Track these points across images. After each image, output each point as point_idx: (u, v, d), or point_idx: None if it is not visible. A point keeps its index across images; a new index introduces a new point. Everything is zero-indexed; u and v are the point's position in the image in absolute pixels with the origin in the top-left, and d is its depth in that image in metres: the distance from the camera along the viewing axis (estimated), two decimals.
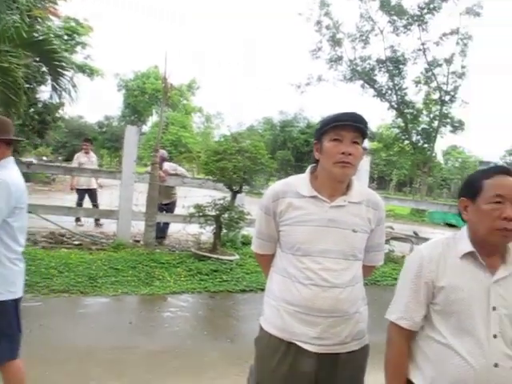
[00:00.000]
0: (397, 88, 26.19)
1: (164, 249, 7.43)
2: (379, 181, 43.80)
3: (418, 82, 26.03)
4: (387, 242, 7.60)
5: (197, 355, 3.94)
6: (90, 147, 10.09)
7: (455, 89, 25.36)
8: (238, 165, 6.46)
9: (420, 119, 26.90)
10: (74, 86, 7.00)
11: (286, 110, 39.66)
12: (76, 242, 7.44)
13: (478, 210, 1.58)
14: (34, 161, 13.96)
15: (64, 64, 6.74)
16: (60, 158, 28.78)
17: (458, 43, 24.38)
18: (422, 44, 24.95)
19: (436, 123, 26.01)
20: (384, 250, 2.10)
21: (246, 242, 7.75)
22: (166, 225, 8.13)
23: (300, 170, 2.06)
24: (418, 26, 24.56)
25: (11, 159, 2.62)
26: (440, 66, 25.16)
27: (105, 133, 39.29)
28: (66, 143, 32.78)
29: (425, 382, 1.60)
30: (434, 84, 25.65)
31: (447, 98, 25.42)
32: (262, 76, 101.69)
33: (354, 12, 47.34)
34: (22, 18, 6.20)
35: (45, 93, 11.37)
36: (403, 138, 27.62)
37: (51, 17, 9.37)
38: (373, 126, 34.96)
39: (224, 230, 7.02)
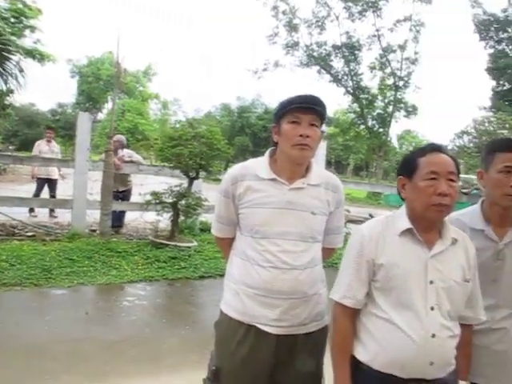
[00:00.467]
0: (352, 73, 26.61)
1: (121, 237, 7.30)
2: (337, 165, 44.54)
3: (372, 68, 26.54)
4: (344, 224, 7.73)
5: (155, 343, 3.91)
6: (53, 136, 9.75)
7: (409, 74, 26.03)
8: (193, 151, 6.39)
9: (375, 104, 27.50)
10: (21, 70, 6.73)
11: (244, 96, 39.62)
12: (29, 234, 7.19)
13: (415, 188, 1.62)
14: None
15: (10, 48, 6.45)
16: (11, 148, 27.70)
17: (411, 30, 24.99)
18: (377, 30, 25.43)
19: (391, 108, 26.66)
20: (343, 233, 2.11)
21: (205, 229, 7.72)
22: (123, 213, 7.98)
23: (258, 155, 2.05)
24: (373, 12, 24.96)
25: None
26: (394, 52, 25.73)
27: (58, 121, 38.00)
28: (17, 132, 31.58)
29: (369, 357, 1.64)
30: (388, 70, 26.25)
31: (401, 83, 26.07)
32: (220, 62, 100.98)
33: None
34: None
35: None
36: (359, 122, 28.18)
37: None
38: (329, 111, 35.32)
39: (182, 217, 6.96)
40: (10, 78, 6.68)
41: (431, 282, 1.59)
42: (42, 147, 9.36)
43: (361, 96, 26.92)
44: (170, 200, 6.65)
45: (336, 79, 26.98)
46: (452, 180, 1.59)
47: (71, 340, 3.84)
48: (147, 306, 4.91)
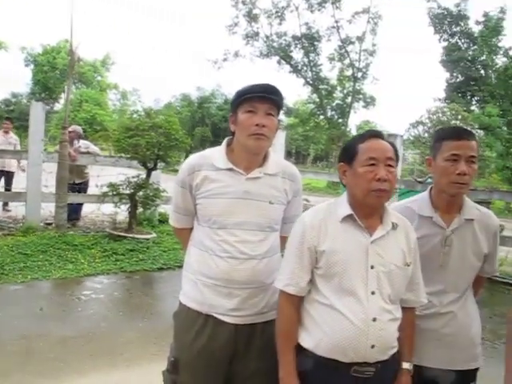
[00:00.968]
0: (312, 64, 26.75)
1: (77, 230, 7.14)
2: (297, 156, 44.85)
3: (332, 59, 26.75)
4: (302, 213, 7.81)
5: (112, 337, 3.86)
6: (11, 127, 9.38)
7: (367, 66, 26.39)
8: (151, 141, 6.30)
9: (334, 95, 27.77)
10: None
11: (204, 87, 39.16)
12: None
13: (355, 174, 1.64)
14: None
15: None
16: None
17: (369, 22, 25.28)
18: (336, 22, 25.61)
19: (349, 99, 27.00)
20: None
21: (163, 220, 7.66)
22: (80, 205, 7.81)
23: (218, 146, 2.03)
24: (332, 3, 25.12)
25: None
26: (353, 43, 26.01)
27: (13, 111, 36.55)
28: None
29: (313, 344, 1.66)
30: (347, 61, 26.52)
31: (359, 74, 26.42)
32: (180, 51, 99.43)
33: None
34: None
35: None
36: (318, 113, 28.40)
37: None
38: (289, 101, 35.54)
39: (140, 209, 6.87)
40: None
41: (372, 267, 1.61)
42: None
43: (320, 87, 27.11)
44: (128, 191, 6.56)
45: (296, 70, 27.06)
46: (390, 166, 1.62)
47: (24, 337, 3.74)
48: (104, 299, 4.83)
